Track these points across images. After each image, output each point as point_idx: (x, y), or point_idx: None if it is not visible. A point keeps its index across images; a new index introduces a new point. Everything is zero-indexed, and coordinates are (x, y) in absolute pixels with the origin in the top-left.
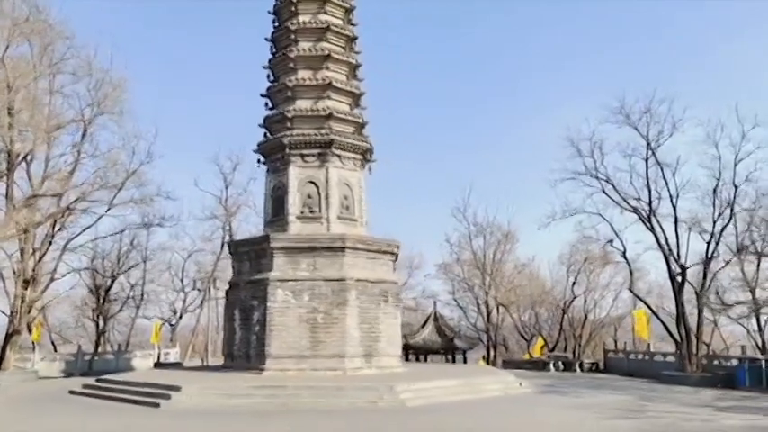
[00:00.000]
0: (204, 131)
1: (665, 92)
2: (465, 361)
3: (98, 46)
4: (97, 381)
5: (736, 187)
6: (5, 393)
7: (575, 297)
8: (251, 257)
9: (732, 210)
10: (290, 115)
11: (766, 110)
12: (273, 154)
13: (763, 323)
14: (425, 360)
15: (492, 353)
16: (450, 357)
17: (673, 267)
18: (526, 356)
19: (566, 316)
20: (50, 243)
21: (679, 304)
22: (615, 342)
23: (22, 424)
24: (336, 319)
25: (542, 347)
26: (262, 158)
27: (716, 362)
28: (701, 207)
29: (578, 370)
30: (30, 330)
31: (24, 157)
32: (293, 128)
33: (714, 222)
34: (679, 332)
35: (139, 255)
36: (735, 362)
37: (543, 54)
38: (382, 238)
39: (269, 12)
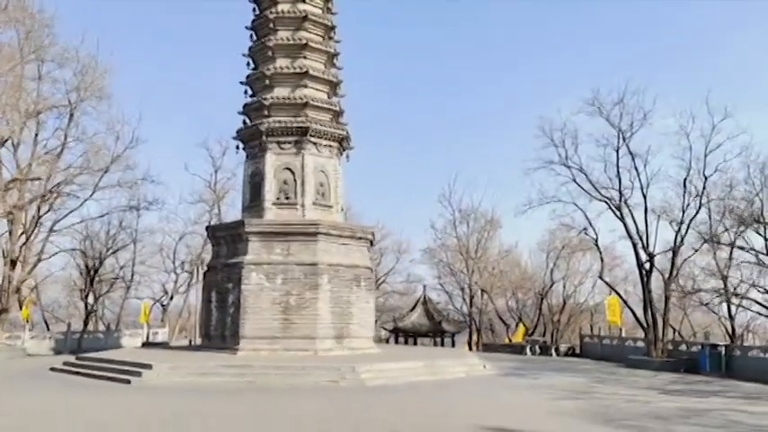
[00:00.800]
0: (195, 116)
1: (639, 83)
2: (453, 344)
3: (85, 32)
4: (77, 359)
5: (705, 178)
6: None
7: (553, 283)
8: (227, 242)
9: (701, 200)
10: (267, 103)
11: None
12: (251, 141)
13: (734, 311)
14: (415, 343)
15: (476, 337)
16: (438, 341)
17: (641, 256)
18: (506, 341)
19: (545, 302)
20: (36, 225)
21: (646, 291)
22: (591, 327)
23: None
24: (308, 302)
25: (525, 332)
26: (241, 145)
27: (682, 347)
28: (671, 197)
29: (554, 354)
30: (21, 309)
31: (4, 142)
32: (270, 115)
33: (683, 212)
34: (646, 319)
35: (129, 237)
36: (698, 348)
37: (539, 45)
38: (357, 224)
39: (249, 0)
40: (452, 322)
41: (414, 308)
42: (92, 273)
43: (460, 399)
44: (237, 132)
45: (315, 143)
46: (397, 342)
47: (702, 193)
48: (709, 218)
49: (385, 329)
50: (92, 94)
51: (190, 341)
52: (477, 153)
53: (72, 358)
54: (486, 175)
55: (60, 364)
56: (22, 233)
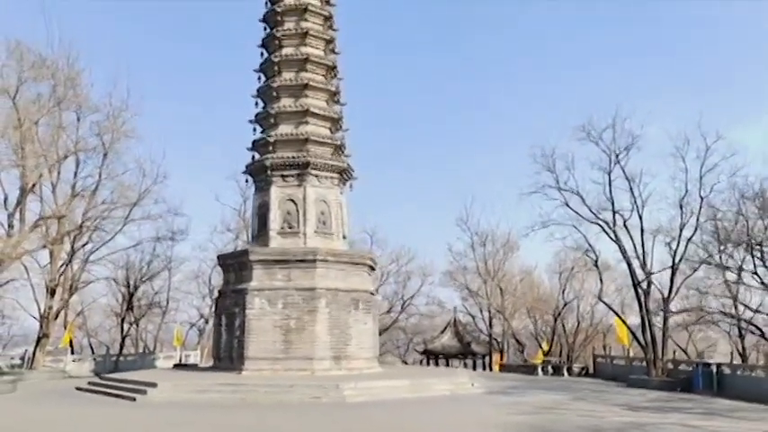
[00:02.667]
0: (225, 147)
1: (630, 107)
2: (484, 366)
3: (117, 78)
4: (100, 378)
5: (702, 198)
6: (26, 389)
7: (566, 304)
8: (235, 269)
9: (698, 220)
10: (272, 140)
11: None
12: (259, 174)
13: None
14: (447, 364)
15: (498, 357)
16: (469, 362)
17: (638, 275)
18: (523, 362)
19: (559, 322)
20: (71, 256)
21: (644, 311)
22: (604, 348)
23: (15, 413)
24: (307, 325)
25: (543, 353)
26: (250, 179)
27: (681, 367)
28: (668, 217)
29: (566, 374)
30: (70, 334)
31: (33, 186)
32: (275, 151)
33: (680, 232)
34: (644, 338)
35: (163, 265)
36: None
37: (548, 62)
38: (356, 250)
39: (257, 45)
40: (482, 344)
41: (444, 330)
42: (127, 299)
43: (430, 414)
44: (246, 167)
45: (316, 175)
46: (428, 364)
47: (699, 213)
48: (702, 237)
49: (417, 351)
50: (123, 135)
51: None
52: (492, 173)
53: (97, 379)
54: (501, 195)
55: (85, 384)
56: (62, 264)
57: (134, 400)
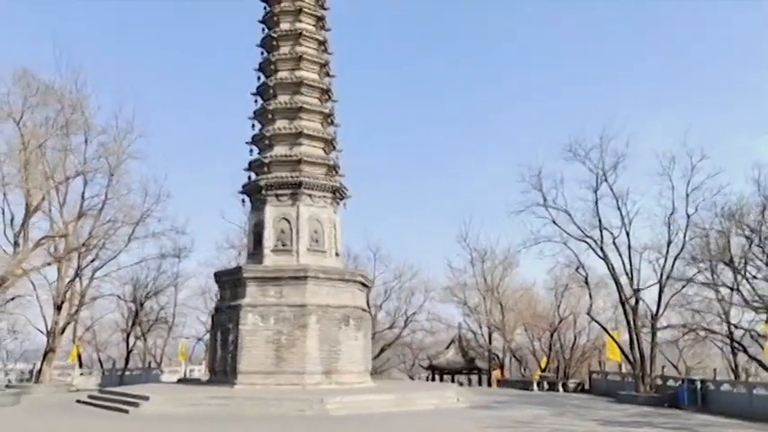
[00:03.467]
0: (233, 164)
1: (618, 123)
2: (487, 382)
3: (122, 101)
4: (100, 392)
5: (688, 216)
6: (29, 402)
7: (561, 320)
8: (230, 286)
9: (685, 238)
10: (266, 161)
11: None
12: (254, 194)
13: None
14: (452, 380)
15: (498, 373)
16: (474, 378)
17: (626, 292)
18: (520, 377)
19: (555, 338)
20: (77, 273)
21: (631, 327)
22: (600, 363)
23: (12, 424)
24: (297, 340)
25: (548, 369)
26: (247, 198)
27: (670, 383)
28: (656, 235)
29: (560, 390)
30: (78, 349)
31: (37, 207)
32: (270, 171)
33: (667, 249)
34: (633, 354)
35: (169, 280)
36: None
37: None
38: (347, 268)
39: (254, 69)
40: (485, 359)
41: (449, 346)
42: (133, 315)
43: (398, 427)
44: (243, 187)
45: (309, 194)
46: (433, 379)
47: (686, 231)
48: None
49: (422, 367)
50: (129, 156)
51: None
52: (493, 186)
53: (97, 392)
54: (500, 209)
55: (86, 397)
56: (69, 281)
57: (127, 412)
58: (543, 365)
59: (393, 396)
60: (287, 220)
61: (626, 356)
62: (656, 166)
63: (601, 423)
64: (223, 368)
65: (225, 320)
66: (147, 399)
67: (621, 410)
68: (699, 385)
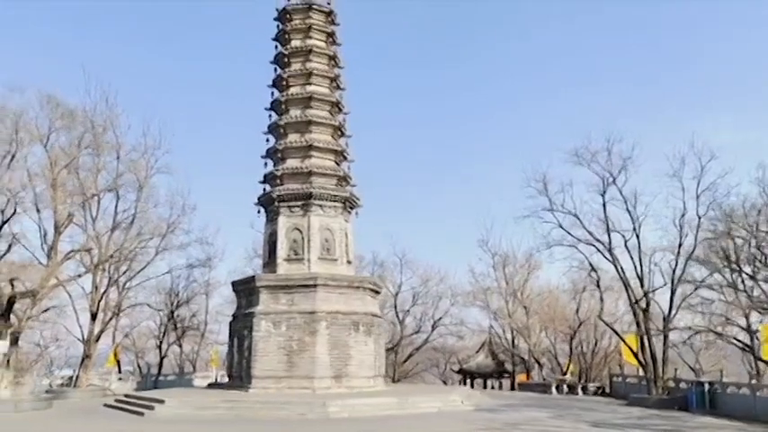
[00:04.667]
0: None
1: (622, 131)
2: (513, 385)
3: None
4: (125, 396)
5: (699, 217)
6: (61, 406)
7: (580, 323)
8: (245, 294)
9: (696, 239)
10: (279, 173)
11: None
12: (268, 206)
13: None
14: (485, 385)
15: (524, 376)
16: (502, 382)
17: (636, 294)
18: (542, 380)
19: (576, 341)
20: (109, 283)
21: (643, 330)
22: (620, 366)
23: (33, 426)
24: (308, 346)
25: (575, 372)
26: (262, 210)
27: (682, 385)
28: (667, 236)
29: (580, 393)
30: (116, 355)
31: (65, 223)
32: (282, 183)
33: (678, 251)
34: (644, 356)
35: (200, 289)
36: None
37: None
38: (357, 275)
39: (268, 85)
40: (516, 363)
41: (479, 349)
42: (165, 323)
43: (392, 429)
44: (258, 199)
45: (320, 205)
46: (464, 383)
47: (697, 232)
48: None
49: (453, 371)
50: (157, 171)
51: None
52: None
53: (122, 396)
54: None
55: (113, 401)
56: (103, 292)
57: (142, 415)
58: (566, 369)
59: (396, 399)
60: (299, 230)
61: (637, 359)
62: (665, 167)
63: (593, 425)
64: (239, 373)
65: (241, 327)
66: (162, 402)
67: (625, 413)
68: (707, 388)
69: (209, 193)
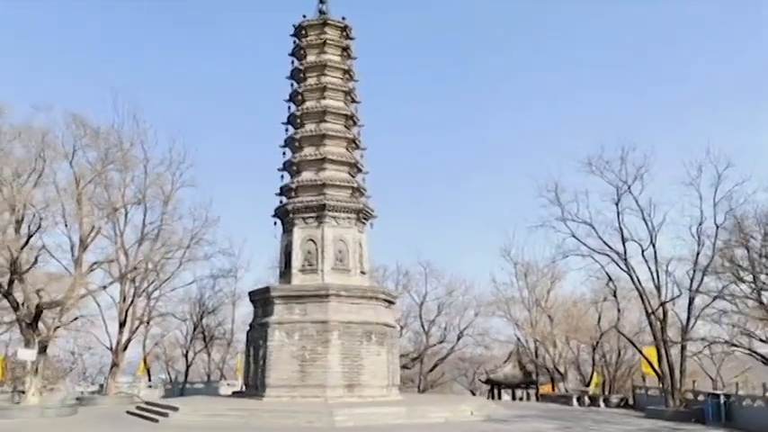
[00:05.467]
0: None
1: (636, 139)
2: (537, 395)
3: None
4: (146, 403)
5: (717, 226)
6: (86, 412)
7: (602, 333)
8: (261, 304)
9: (714, 248)
10: (294, 186)
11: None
12: (284, 217)
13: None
14: (513, 396)
15: (549, 387)
16: (529, 392)
17: (652, 304)
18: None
19: (598, 352)
20: (135, 293)
21: (659, 340)
22: (643, 378)
23: (58, 430)
24: (320, 356)
25: (599, 383)
26: (279, 221)
27: (700, 397)
28: (684, 245)
29: (602, 405)
30: (146, 363)
31: (90, 236)
32: (298, 195)
33: (696, 260)
34: (661, 368)
35: (226, 298)
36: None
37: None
38: (370, 285)
39: (284, 100)
40: (543, 373)
41: (507, 360)
42: (191, 332)
43: None
44: (275, 211)
45: (334, 216)
46: (492, 393)
47: (715, 241)
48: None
49: (480, 381)
50: (182, 185)
51: None
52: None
53: (144, 404)
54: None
55: (135, 408)
56: (130, 302)
57: (157, 421)
58: (590, 380)
59: (405, 409)
60: (313, 241)
61: (654, 370)
62: (682, 174)
63: None
64: (255, 382)
65: (256, 337)
66: (176, 410)
67: (636, 426)
68: (723, 400)
69: (237, 203)
